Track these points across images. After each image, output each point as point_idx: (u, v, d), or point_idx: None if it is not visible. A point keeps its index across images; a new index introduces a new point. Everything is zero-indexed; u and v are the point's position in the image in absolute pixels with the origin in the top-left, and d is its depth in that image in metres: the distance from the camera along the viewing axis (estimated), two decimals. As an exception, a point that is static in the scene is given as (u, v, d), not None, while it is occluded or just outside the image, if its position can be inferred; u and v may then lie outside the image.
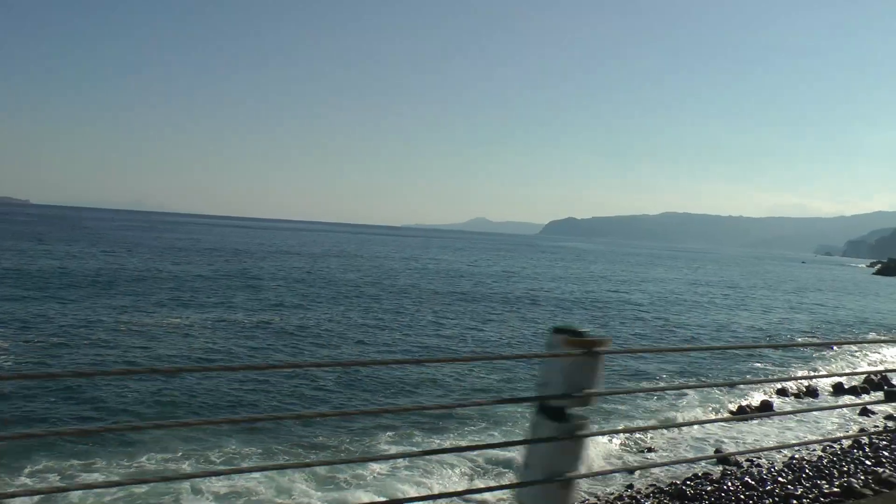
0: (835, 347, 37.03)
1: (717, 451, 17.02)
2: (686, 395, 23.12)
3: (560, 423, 3.14)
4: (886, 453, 17.15)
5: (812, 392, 25.89)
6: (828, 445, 18.22)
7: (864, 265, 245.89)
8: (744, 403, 22.85)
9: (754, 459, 16.77)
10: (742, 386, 25.35)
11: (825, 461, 16.64)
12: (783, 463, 16.52)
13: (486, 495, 12.60)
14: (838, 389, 26.28)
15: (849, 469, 15.80)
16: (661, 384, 25.21)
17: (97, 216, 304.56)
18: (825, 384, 26.70)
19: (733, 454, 16.14)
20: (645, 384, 25.12)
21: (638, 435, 18.34)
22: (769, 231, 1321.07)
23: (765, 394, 25.27)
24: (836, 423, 21.52)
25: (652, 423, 20.26)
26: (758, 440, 19.14)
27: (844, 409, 23.23)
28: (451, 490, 13.20)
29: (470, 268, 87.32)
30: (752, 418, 21.68)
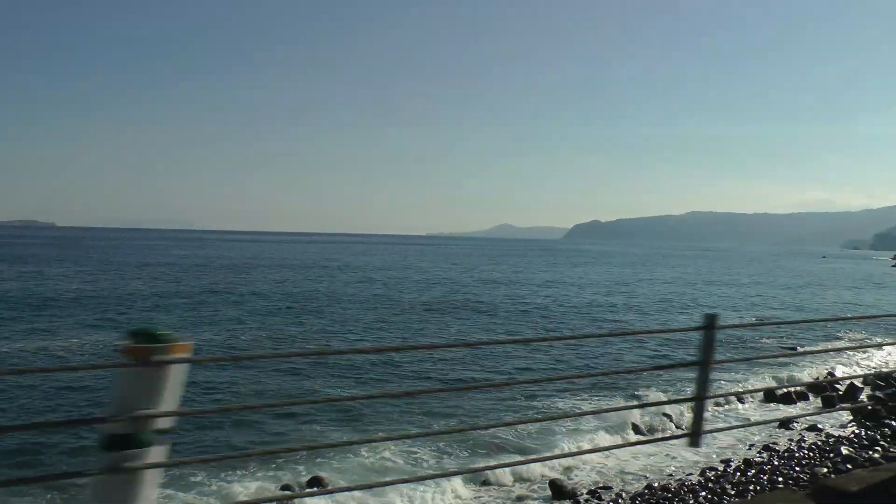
0: (797, 348, 33.97)
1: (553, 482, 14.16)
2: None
3: (114, 453, 2.71)
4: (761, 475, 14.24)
5: (739, 399, 22.96)
6: (706, 469, 15.38)
7: (887, 258, 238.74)
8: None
9: (602, 493, 13.97)
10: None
11: (686, 487, 13.83)
12: (632, 495, 13.73)
13: None
14: (769, 397, 23.23)
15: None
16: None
17: (111, 236, 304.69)
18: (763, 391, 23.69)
19: (537, 460, 13.38)
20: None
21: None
22: (797, 227, 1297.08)
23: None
24: (750, 439, 18.52)
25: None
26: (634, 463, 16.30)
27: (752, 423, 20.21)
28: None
29: (458, 275, 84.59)
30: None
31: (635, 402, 20.58)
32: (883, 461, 14.62)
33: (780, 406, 22.59)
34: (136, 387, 2.68)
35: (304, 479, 13.67)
